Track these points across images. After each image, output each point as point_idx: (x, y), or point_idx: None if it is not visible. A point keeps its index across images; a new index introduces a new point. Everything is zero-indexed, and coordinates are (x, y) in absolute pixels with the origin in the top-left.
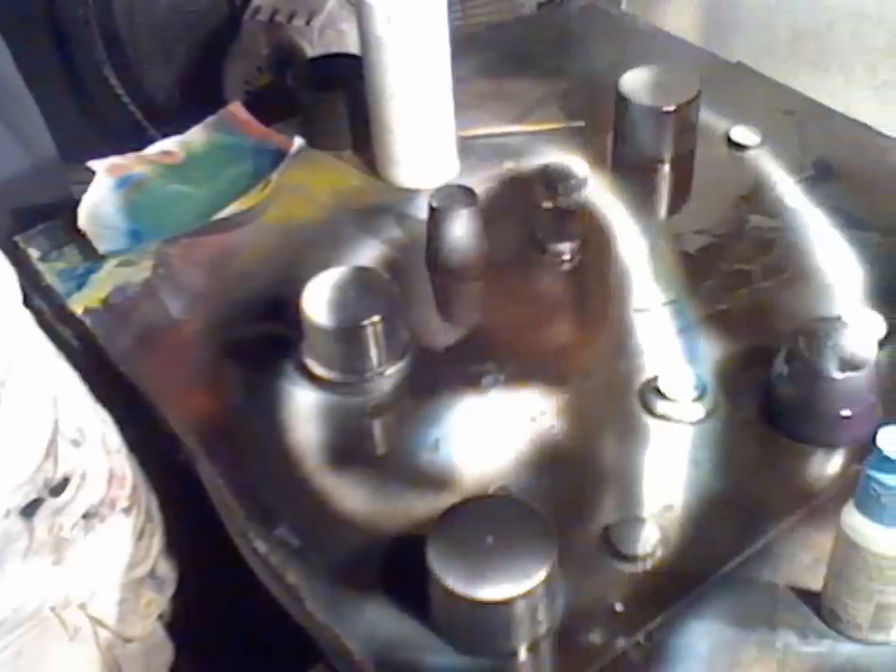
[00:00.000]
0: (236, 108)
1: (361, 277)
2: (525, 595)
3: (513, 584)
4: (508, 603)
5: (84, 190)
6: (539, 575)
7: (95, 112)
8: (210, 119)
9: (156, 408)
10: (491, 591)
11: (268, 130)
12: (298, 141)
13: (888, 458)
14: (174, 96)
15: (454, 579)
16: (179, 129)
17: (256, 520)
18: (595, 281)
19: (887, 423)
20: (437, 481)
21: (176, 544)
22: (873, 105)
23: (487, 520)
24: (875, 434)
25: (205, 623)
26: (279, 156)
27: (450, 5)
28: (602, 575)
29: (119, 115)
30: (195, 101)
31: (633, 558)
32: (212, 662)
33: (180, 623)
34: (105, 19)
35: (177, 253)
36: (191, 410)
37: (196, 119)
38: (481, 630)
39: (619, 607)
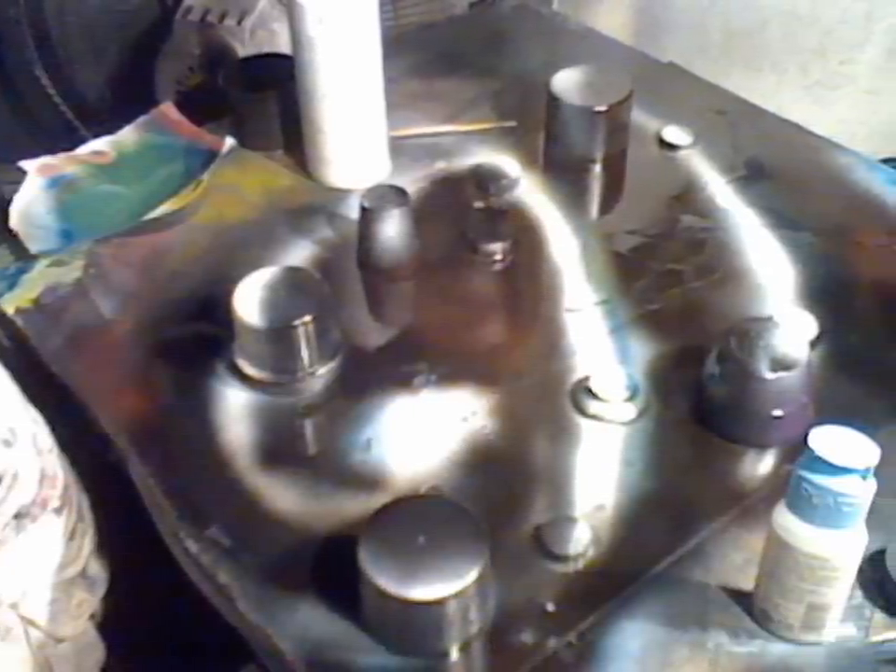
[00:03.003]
0: (168, 108)
1: (292, 277)
2: (456, 595)
3: (445, 584)
4: (439, 603)
5: (15, 190)
6: (471, 575)
7: (26, 112)
8: (141, 118)
9: (87, 408)
10: (423, 591)
11: (199, 130)
12: (229, 141)
13: (819, 459)
14: (105, 96)
15: (385, 579)
16: (111, 129)
17: (187, 520)
18: (527, 281)
19: (819, 423)
20: (369, 481)
21: (108, 544)
22: (805, 104)
23: (419, 520)
24: (807, 434)
25: (137, 622)
26: (210, 156)
27: (381, 5)
28: (534, 575)
29: (50, 115)
30: (127, 101)
31: (564, 558)
32: (144, 662)
33: (112, 622)
34: (37, 19)
35: (109, 253)
36: (123, 410)
37: (128, 119)
38: (412, 630)
39: (550, 607)
